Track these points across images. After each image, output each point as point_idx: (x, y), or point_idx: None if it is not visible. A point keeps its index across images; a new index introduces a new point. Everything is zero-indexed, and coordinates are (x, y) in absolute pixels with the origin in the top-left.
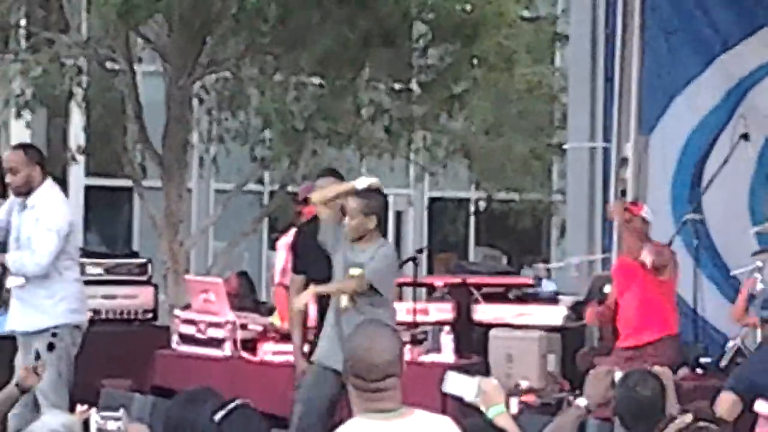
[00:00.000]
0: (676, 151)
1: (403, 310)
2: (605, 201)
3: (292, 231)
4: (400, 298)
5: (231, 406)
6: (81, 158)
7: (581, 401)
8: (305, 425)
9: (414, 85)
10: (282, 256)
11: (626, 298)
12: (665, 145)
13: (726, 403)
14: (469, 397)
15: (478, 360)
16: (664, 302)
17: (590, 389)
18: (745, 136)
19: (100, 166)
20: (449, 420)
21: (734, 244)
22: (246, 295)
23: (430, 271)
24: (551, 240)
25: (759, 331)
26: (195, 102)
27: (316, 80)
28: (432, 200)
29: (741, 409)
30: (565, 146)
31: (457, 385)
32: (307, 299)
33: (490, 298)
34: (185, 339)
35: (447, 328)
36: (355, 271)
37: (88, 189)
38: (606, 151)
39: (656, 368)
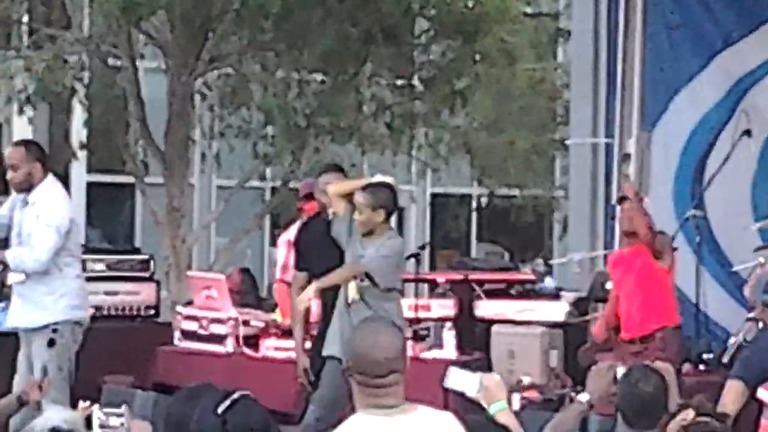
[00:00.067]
0: (679, 147)
1: (405, 307)
2: (607, 197)
3: (293, 227)
4: (402, 295)
5: (233, 397)
6: (83, 155)
7: (583, 397)
8: (323, 421)
9: (416, 81)
10: (283, 253)
11: (626, 290)
12: (668, 141)
13: (734, 392)
14: (470, 392)
15: (480, 356)
16: (666, 291)
17: (592, 385)
18: (747, 133)
19: (102, 163)
20: (452, 416)
21: (736, 240)
22: (248, 291)
23: (432, 268)
24: (553, 236)
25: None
26: (197, 98)
27: (318, 77)
28: (434, 196)
29: (748, 396)
30: (567, 142)
31: (459, 380)
32: (310, 296)
33: (492, 294)
34: (187, 335)
35: (449, 324)
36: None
37: (90, 185)
38: (608, 147)
39: (658, 364)
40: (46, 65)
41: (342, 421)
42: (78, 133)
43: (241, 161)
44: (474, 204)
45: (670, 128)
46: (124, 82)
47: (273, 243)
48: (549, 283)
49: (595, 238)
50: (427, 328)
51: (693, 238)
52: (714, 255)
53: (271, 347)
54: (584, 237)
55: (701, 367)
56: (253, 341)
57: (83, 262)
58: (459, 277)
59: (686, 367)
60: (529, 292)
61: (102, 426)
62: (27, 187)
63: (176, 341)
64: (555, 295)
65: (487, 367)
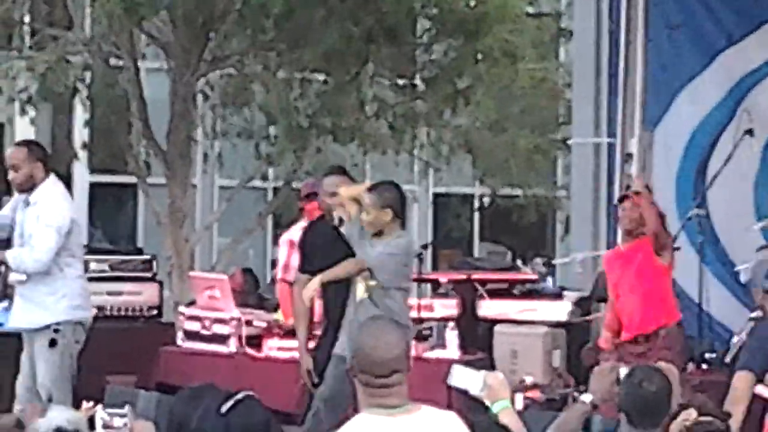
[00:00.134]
0: (681, 146)
1: None
2: (610, 197)
3: (295, 227)
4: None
5: (237, 397)
6: (85, 155)
7: (586, 397)
8: (326, 420)
9: (418, 81)
10: (284, 252)
11: (626, 287)
12: (670, 141)
13: (744, 383)
14: (474, 390)
15: (483, 356)
16: (666, 288)
17: (595, 385)
18: (749, 132)
19: (104, 163)
20: (455, 416)
21: (739, 240)
22: (250, 291)
23: (435, 267)
24: (556, 236)
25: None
26: (199, 98)
27: (320, 76)
28: (436, 196)
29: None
30: (569, 142)
31: (463, 378)
32: (315, 288)
33: (494, 293)
34: (190, 335)
35: (452, 324)
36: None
37: (93, 186)
38: (610, 147)
39: (662, 364)
40: (49, 66)
41: (345, 421)
42: (80, 133)
43: (243, 161)
44: (476, 204)
45: (672, 128)
46: (126, 83)
47: (275, 243)
48: (549, 284)
49: (598, 237)
50: (430, 328)
51: (695, 238)
52: (716, 254)
53: (273, 347)
54: (586, 237)
55: (704, 366)
56: (255, 341)
57: (86, 262)
58: (462, 276)
59: (689, 366)
60: (531, 291)
61: (105, 426)
62: (28, 187)
63: (179, 341)
64: (557, 295)
65: (489, 366)
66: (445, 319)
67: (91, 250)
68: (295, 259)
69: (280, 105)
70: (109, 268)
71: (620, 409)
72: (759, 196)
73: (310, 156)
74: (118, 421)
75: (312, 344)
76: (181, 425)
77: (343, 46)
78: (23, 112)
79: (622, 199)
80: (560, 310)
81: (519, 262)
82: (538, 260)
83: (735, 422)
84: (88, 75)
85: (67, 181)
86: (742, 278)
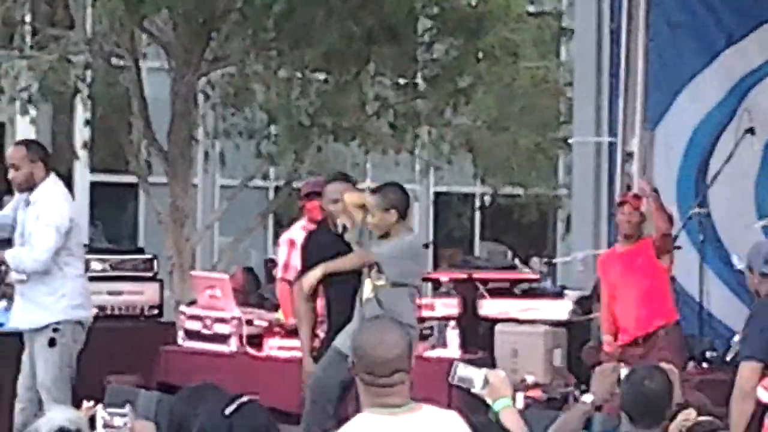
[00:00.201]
0: (682, 145)
1: None
2: (611, 196)
3: (295, 226)
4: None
5: (241, 400)
6: (86, 154)
7: (587, 397)
8: (314, 409)
9: (419, 80)
10: (284, 252)
11: (624, 289)
12: (671, 140)
13: (751, 374)
14: (476, 388)
15: (484, 355)
16: (666, 289)
17: (596, 386)
18: (750, 131)
19: (105, 163)
20: (457, 415)
21: (740, 238)
22: (251, 290)
23: (436, 266)
24: (557, 234)
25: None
26: (200, 98)
27: (321, 76)
28: (437, 195)
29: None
30: (570, 141)
31: (465, 376)
32: (317, 276)
33: (495, 292)
34: (191, 335)
35: (452, 323)
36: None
37: (94, 185)
38: (611, 146)
39: (663, 365)
40: (50, 65)
41: (335, 405)
42: (81, 132)
43: (244, 161)
44: (477, 203)
45: (673, 127)
46: (127, 82)
47: (276, 242)
48: (548, 285)
49: (599, 236)
50: (431, 327)
51: (696, 237)
52: (717, 253)
53: (274, 347)
54: (587, 235)
55: (705, 365)
56: (256, 341)
57: (86, 261)
58: (462, 275)
59: (690, 365)
60: (532, 290)
61: (106, 425)
62: (28, 186)
63: (180, 341)
64: (558, 294)
65: (490, 366)
66: (446, 318)
67: (91, 249)
68: (295, 258)
69: (281, 104)
70: (109, 268)
71: (622, 408)
72: (760, 194)
73: (311, 155)
74: (118, 421)
75: (316, 343)
76: (182, 425)
77: (344, 46)
78: (25, 111)
79: (621, 203)
80: (561, 309)
81: (516, 262)
82: (536, 260)
83: (744, 417)
84: (89, 74)
85: (68, 180)
86: (736, 263)
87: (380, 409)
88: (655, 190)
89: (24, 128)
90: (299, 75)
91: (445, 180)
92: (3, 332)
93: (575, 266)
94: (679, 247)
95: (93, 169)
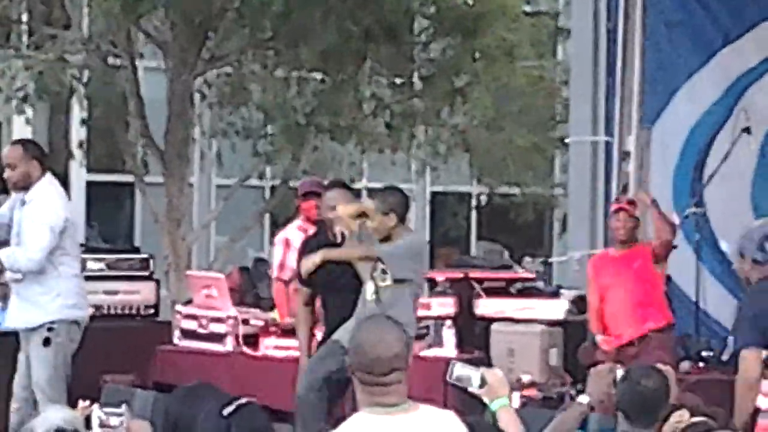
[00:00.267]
0: (678, 144)
1: None
2: (607, 195)
3: (290, 226)
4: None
5: (240, 402)
6: (83, 154)
7: (584, 398)
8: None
9: (416, 80)
10: (279, 251)
11: (619, 292)
12: (667, 139)
13: (756, 360)
14: (473, 388)
15: (480, 354)
16: (660, 294)
17: (592, 386)
18: (746, 130)
19: (101, 162)
20: (453, 415)
21: (736, 238)
22: (248, 290)
23: (432, 266)
24: (553, 234)
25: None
26: (197, 97)
27: (318, 75)
28: (433, 194)
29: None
30: (566, 140)
31: (462, 375)
32: (315, 262)
33: (491, 292)
34: (187, 334)
35: (449, 322)
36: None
37: (90, 185)
38: (608, 145)
39: (659, 365)
40: (47, 65)
41: (340, 420)
42: (77, 132)
43: (240, 160)
44: (473, 202)
45: (670, 126)
46: (124, 82)
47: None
48: (540, 285)
49: (595, 236)
50: (427, 327)
51: (692, 236)
52: (713, 253)
53: (270, 346)
54: (584, 235)
55: (700, 365)
56: (252, 340)
57: (83, 261)
58: (459, 275)
59: (686, 364)
60: (528, 290)
61: (102, 425)
62: (24, 186)
63: (176, 340)
64: (555, 293)
65: (487, 365)
66: (442, 318)
67: (87, 248)
68: (291, 258)
69: (278, 104)
70: (106, 267)
71: (618, 407)
72: (756, 194)
73: (307, 155)
74: (114, 420)
75: (313, 344)
76: (177, 424)
77: (341, 45)
78: (20, 111)
79: (617, 211)
80: (557, 309)
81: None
82: (528, 260)
83: (752, 405)
84: (85, 74)
85: (64, 180)
86: (724, 248)
87: (377, 408)
88: (654, 201)
89: (20, 128)
90: (296, 74)
91: (441, 179)
92: None
93: (571, 266)
94: (675, 247)
95: (89, 169)
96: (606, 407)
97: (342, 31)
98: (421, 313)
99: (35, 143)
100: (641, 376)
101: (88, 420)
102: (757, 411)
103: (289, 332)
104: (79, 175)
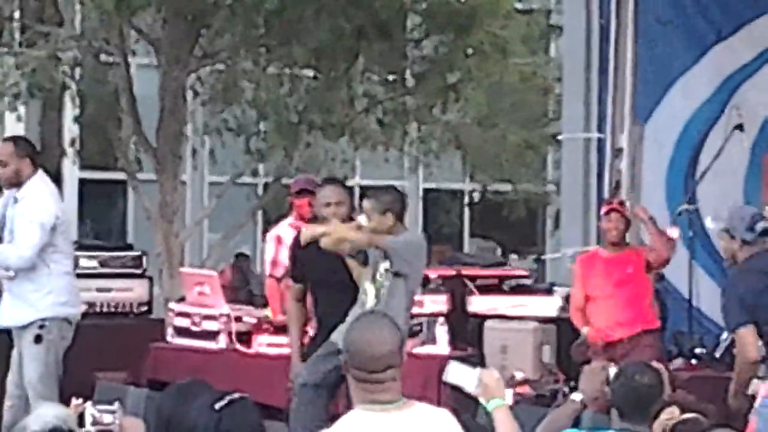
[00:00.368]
0: (671, 141)
1: None
2: (600, 192)
3: (282, 223)
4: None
5: (231, 397)
6: (75, 151)
7: (577, 396)
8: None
9: (408, 76)
10: (271, 248)
11: (606, 295)
12: (660, 136)
13: (752, 337)
14: (469, 388)
15: (473, 351)
16: (650, 299)
17: (585, 384)
18: (739, 127)
19: (94, 159)
20: (448, 412)
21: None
22: (241, 287)
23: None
24: (546, 231)
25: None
26: (189, 94)
27: (310, 72)
28: (426, 192)
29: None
30: (559, 137)
31: (458, 375)
32: (309, 237)
33: (484, 289)
34: (180, 332)
35: (441, 319)
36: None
37: (83, 182)
38: (601, 142)
39: (653, 363)
40: (39, 62)
41: (335, 417)
42: (70, 129)
43: (233, 157)
44: (466, 199)
45: (663, 123)
46: (116, 79)
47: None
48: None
49: (588, 233)
50: (420, 324)
51: (686, 233)
52: (706, 249)
53: (263, 343)
54: (576, 232)
55: (693, 362)
56: (245, 337)
57: (75, 258)
58: (451, 272)
59: (678, 362)
60: (521, 287)
61: (94, 423)
62: (16, 183)
63: (169, 338)
64: (548, 291)
65: (480, 362)
66: (435, 315)
67: (80, 246)
68: (283, 255)
69: (270, 101)
70: (98, 265)
71: (612, 404)
72: (749, 191)
73: (300, 152)
74: (107, 418)
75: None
76: (170, 421)
77: (333, 42)
78: (12, 108)
79: (608, 212)
80: (550, 306)
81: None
82: (515, 257)
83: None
84: (77, 71)
85: (57, 177)
86: (709, 224)
87: (372, 405)
88: (651, 218)
89: (12, 125)
90: (288, 72)
91: (434, 176)
92: None
93: (564, 263)
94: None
95: (82, 166)
96: (599, 404)
97: (334, 28)
98: (414, 310)
99: (27, 140)
100: (635, 372)
101: (81, 418)
102: (751, 405)
103: (282, 329)
104: (71, 173)
